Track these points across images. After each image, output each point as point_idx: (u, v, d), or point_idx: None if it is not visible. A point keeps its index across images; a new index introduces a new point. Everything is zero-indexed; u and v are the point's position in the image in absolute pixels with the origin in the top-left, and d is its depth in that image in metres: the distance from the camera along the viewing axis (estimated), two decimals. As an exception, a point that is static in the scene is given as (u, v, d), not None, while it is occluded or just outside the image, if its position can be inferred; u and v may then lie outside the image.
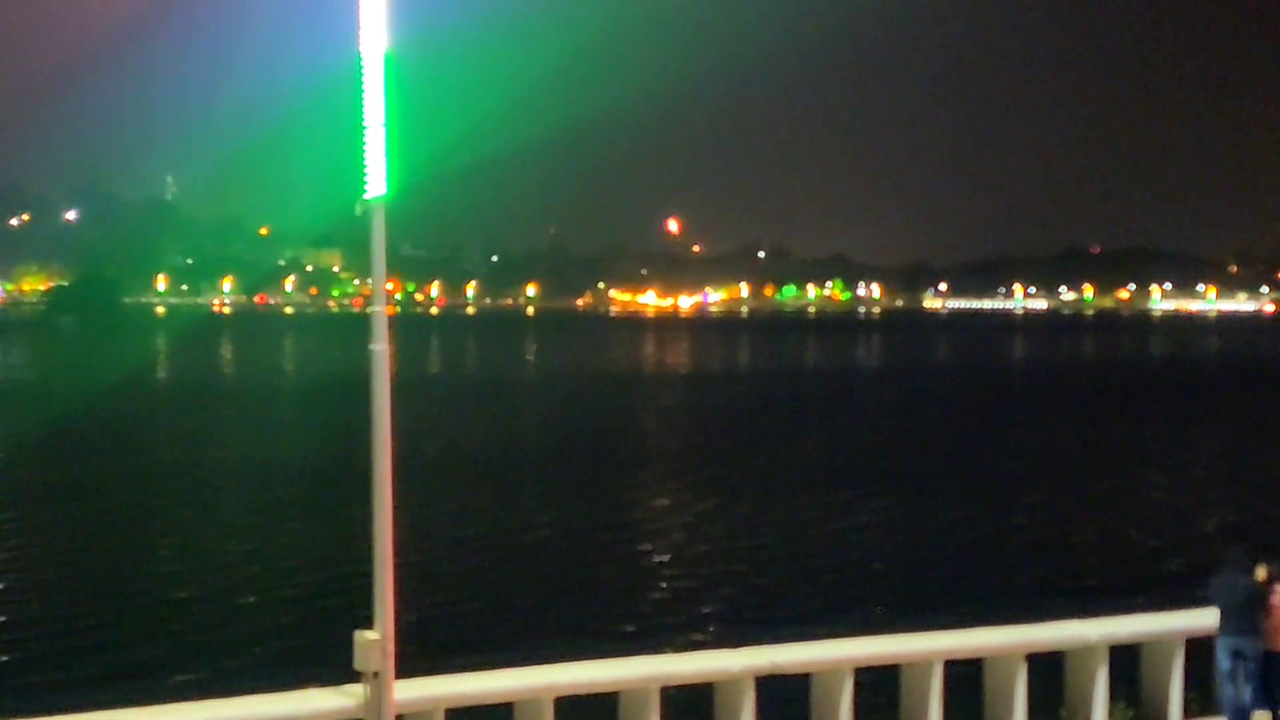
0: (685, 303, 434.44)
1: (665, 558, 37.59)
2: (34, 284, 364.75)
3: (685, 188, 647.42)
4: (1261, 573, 18.26)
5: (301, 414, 76.96)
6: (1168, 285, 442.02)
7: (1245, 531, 39.07)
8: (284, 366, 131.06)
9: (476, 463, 56.29)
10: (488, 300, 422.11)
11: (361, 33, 13.78)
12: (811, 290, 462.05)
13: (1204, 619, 19.85)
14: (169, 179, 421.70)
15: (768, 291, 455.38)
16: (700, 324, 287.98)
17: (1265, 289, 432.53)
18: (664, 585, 34.23)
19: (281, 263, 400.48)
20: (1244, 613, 18.23)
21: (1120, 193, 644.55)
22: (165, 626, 29.25)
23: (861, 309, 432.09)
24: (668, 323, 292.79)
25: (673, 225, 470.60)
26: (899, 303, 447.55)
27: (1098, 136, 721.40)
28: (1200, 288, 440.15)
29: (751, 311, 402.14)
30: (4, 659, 26.92)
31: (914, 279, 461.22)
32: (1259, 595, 18.21)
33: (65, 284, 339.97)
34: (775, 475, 53.30)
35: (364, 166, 13.96)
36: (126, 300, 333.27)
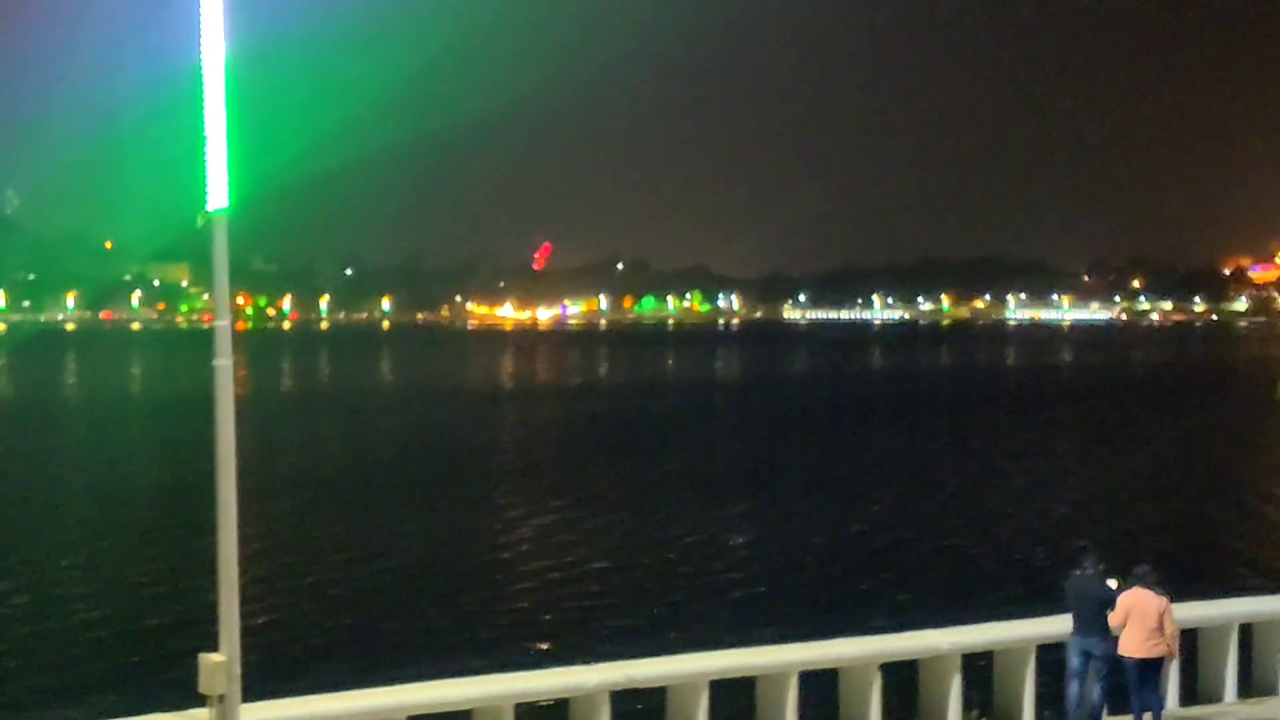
0: (544, 315, 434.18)
1: (523, 575, 37.34)
2: None
3: (542, 199, 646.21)
4: (1114, 583, 18.74)
5: (147, 433, 75.47)
6: (1023, 295, 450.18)
7: (1096, 536, 39.80)
8: (129, 384, 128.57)
9: (329, 481, 55.62)
10: (342, 315, 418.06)
11: (201, 39, 13.43)
12: (671, 302, 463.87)
13: (1054, 626, 20.13)
14: (9, 192, 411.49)
15: (627, 303, 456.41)
16: (559, 337, 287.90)
17: (1118, 298, 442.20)
18: (520, 602, 33.99)
19: (127, 277, 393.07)
20: (1094, 615, 18.74)
21: (975, 202, 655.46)
22: (8, 654, 28.36)
23: (721, 321, 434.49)
24: (526, 336, 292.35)
25: (537, 256, 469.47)
26: (758, 314, 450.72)
27: (953, 146, 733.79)
28: (1055, 297, 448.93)
29: (610, 324, 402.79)
30: None
31: (773, 290, 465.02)
32: (1109, 599, 18.67)
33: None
34: (634, 489, 53.32)
35: (205, 178, 13.61)
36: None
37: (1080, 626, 18.95)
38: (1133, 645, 18.51)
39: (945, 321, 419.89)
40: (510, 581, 36.29)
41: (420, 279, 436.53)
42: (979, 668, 20.30)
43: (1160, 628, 18.44)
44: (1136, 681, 18.64)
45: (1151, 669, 18.65)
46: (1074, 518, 47.05)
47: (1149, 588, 18.63)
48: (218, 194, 13.58)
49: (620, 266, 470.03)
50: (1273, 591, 27.22)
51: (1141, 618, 18.45)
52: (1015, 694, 19.89)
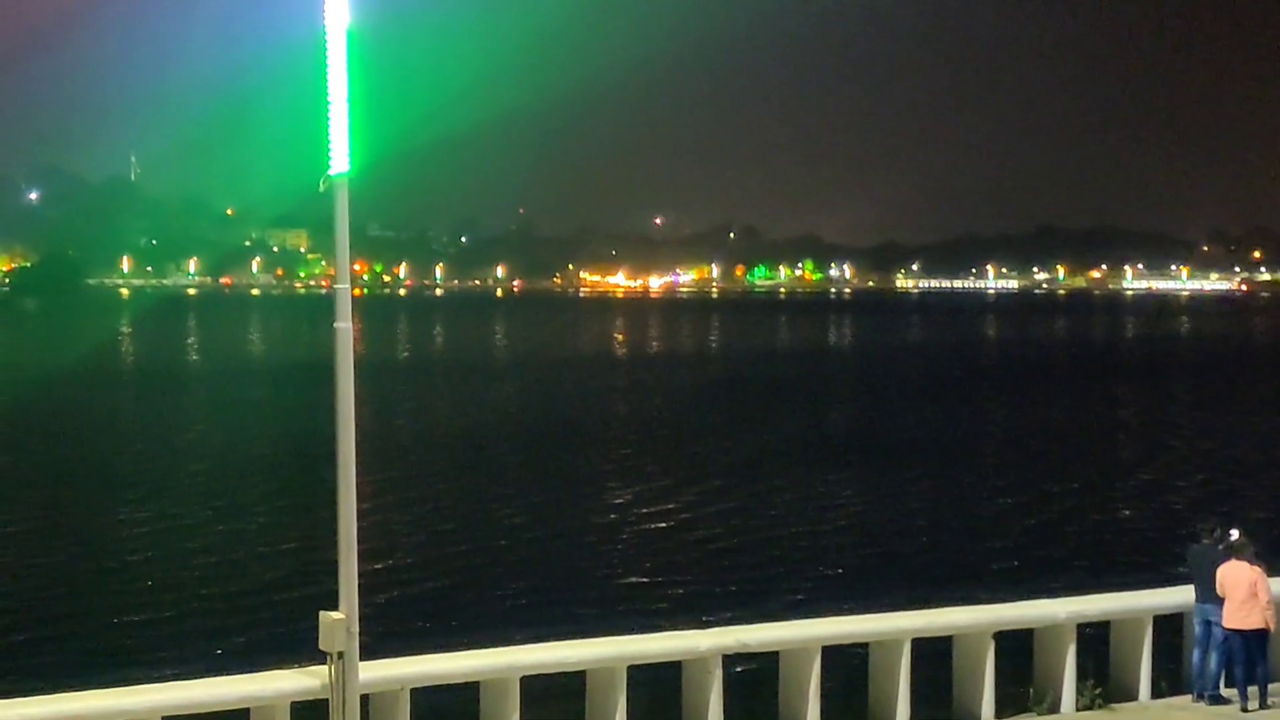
0: (655, 283, 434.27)
1: (636, 539, 37.52)
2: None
3: (655, 168, 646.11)
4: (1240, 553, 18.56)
5: (267, 396, 76.63)
6: (1140, 265, 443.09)
7: (1220, 505, 39.24)
8: (250, 348, 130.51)
9: (444, 444, 56.15)
10: (455, 282, 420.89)
11: (325, 6, 13.60)
12: (782, 271, 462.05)
13: (1173, 597, 19.95)
14: (132, 158, 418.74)
15: (738, 272, 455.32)
16: (670, 305, 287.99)
17: (1237, 269, 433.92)
18: (631, 566, 34.16)
19: (247, 243, 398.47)
20: (1214, 584, 18.61)
21: (1093, 171, 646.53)
22: (131, 612, 29.01)
23: (833, 290, 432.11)
24: (638, 304, 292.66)
25: (658, 220, 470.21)
26: (870, 283, 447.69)
27: (1071, 114, 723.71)
28: (1173, 267, 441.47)
29: (722, 292, 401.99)
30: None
31: (885, 259, 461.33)
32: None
33: (28, 265, 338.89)
34: (746, 457, 53.28)
35: (328, 143, 13.80)
36: (90, 282, 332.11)
37: (1201, 595, 18.90)
38: (1230, 616, 18.43)
39: (1061, 291, 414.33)
40: (621, 546, 36.47)
41: (533, 247, 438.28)
42: (1095, 638, 20.14)
43: (1255, 598, 18.26)
44: (1240, 652, 18.49)
45: (1254, 641, 18.45)
46: (1192, 488, 46.35)
47: (1243, 558, 18.46)
48: (339, 159, 13.77)
49: (732, 235, 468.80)
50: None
51: (1234, 588, 18.35)
52: (1132, 665, 19.72)
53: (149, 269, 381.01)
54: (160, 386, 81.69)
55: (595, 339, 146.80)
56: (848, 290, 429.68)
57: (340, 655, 13.99)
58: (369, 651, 14.84)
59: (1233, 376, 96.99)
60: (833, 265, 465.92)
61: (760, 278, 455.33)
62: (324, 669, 14.23)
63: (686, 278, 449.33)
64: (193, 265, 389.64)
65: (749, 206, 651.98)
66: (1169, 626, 20.21)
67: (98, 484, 45.21)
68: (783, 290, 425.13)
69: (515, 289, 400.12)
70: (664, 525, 39.24)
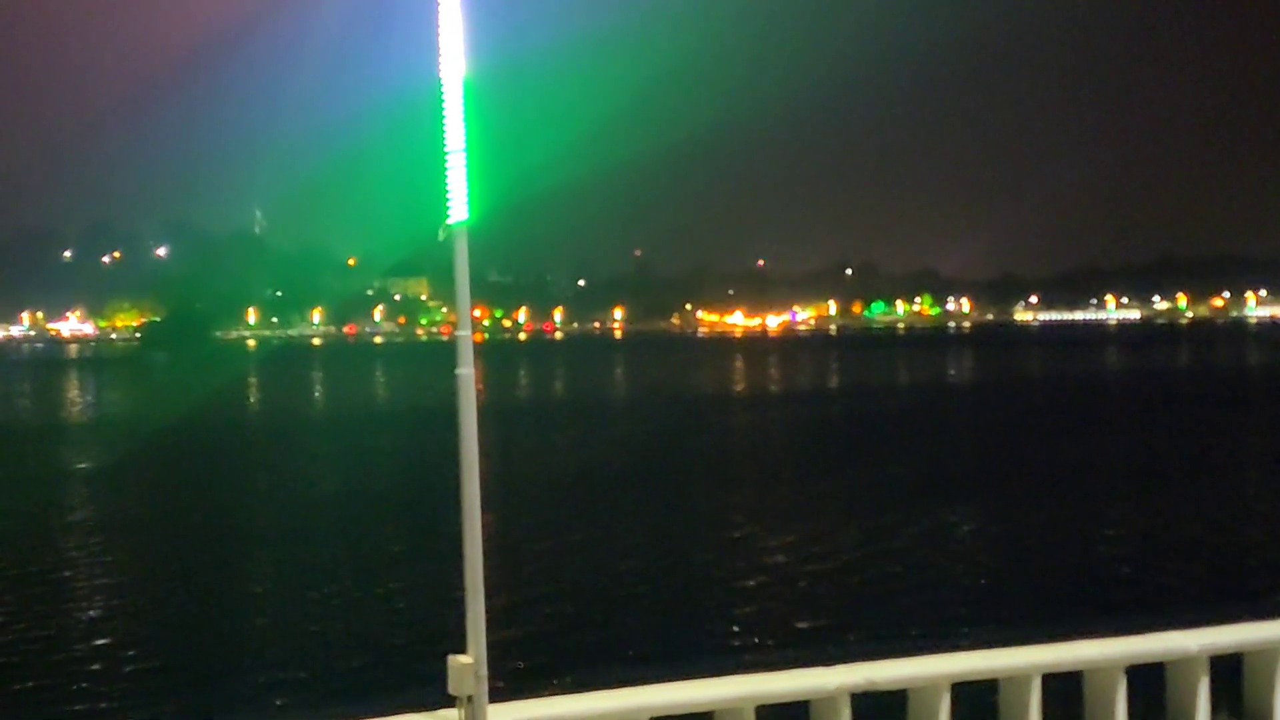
0: (773, 321, 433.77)
1: (760, 576, 37.41)
2: (126, 320, 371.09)
3: (770, 207, 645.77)
4: None
5: (392, 442, 77.46)
6: (1263, 292, 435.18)
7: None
8: (374, 394, 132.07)
9: (566, 486, 56.39)
10: (575, 324, 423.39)
11: (441, 57, 13.83)
12: (900, 306, 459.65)
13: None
14: (257, 213, 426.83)
15: (856, 308, 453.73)
16: (789, 342, 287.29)
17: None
18: (758, 604, 34.07)
19: (369, 292, 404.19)
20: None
21: (1213, 199, 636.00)
22: (261, 655, 29.45)
23: (951, 324, 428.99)
24: (757, 342, 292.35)
25: (761, 261, 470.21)
26: (989, 316, 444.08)
27: (1189, 141, 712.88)
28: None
29: (840, 329, 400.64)
30: (98, 690, 27.23)
31: (1003, 292, 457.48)
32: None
33: (157, 319, 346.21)
34: (868, 491, 53.00)
35: (446, 192, 14.00)
36: (218, 334, 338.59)
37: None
38: None
39: (1183, 320, 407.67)
40: (744, 584, 36.38)
41: (650, 288, 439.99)
42: (1229, 670, 19.77)
43: None
44: None
45: None
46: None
47: None
48: (458, 207, 13.98)
49: (849, 271, 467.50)
50: None
51: None
52: (1267, 697, 19.31)
53: (274, 320, 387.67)
54: (286, 435, 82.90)
55: (715, 377, 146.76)
56: (966, 324, 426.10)
57: (470, 699, 14.09)
58: (497, 694, 14.94)
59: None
60: (950, 299, 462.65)
61: (878, 313, 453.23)
62: (453, 713, 14.35)
63: (804, 315, 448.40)
64: (317, 315, 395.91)
65: (865, 242, 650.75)
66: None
67: (225, 530, 45.97)
68: (901, 325, 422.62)
69: (617, 330, 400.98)
70: (786, 560, 39.09)
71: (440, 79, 13.86)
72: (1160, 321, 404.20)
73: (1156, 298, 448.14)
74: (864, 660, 18.80)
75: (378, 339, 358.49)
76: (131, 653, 30.06)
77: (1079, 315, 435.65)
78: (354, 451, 71.90)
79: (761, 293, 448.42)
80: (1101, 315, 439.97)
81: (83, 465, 67.48)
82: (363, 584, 36.62)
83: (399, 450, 71.80)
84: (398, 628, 31.64)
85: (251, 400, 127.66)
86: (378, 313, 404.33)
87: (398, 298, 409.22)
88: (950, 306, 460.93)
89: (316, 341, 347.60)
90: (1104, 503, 49.32)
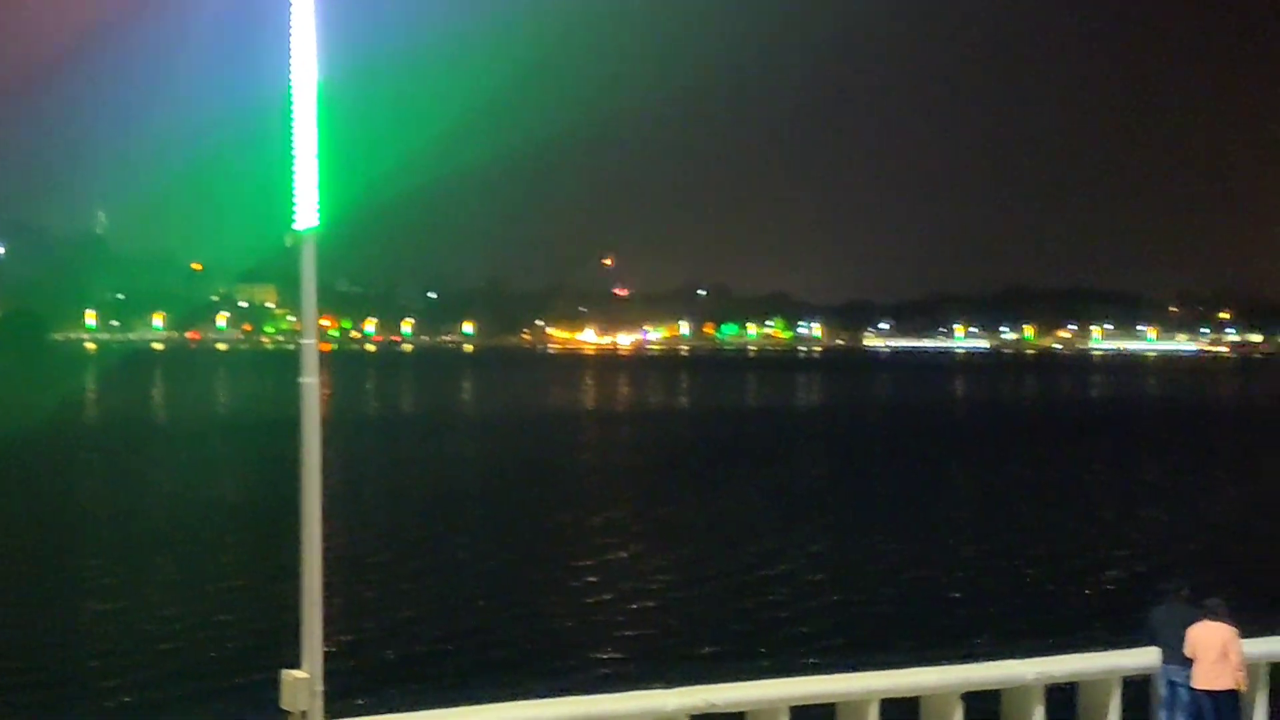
0: (624, 341, 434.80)
1: (604, 597, 37.29)
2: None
3: (624, 225, 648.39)
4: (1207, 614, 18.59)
5: (233, 451, 76.18)
6: (1108, 325, 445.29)
7: (1186, 566, 39.22)
8: (215, 403, 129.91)
9: (410, 501, 55.87)
10: (424, 337, 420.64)
11: (293, 62, 13.57)
12: (752, 329, 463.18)
13: (1140, 658, 19.88)
14: (99, 214, 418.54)
15: (708, 330, 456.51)
16: (640, 362, 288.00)
17: (1205, 330, 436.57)
18: (601, 624, 33.94)
19: (214, 298, 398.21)
20: (1181, 645, 18.57)
21: (1062, 232, 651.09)
22: (84, 671, 28.66)
23: (803, 348, 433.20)
24: (607, 361, 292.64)
25: (607, 261, 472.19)
26: (840, 341, 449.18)
27: (1040, 175, 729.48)
28: (1141, 328, 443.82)
29: (692, 350, 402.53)
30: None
31: (855, 317, 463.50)
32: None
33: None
34: (716, 515, 53.15)
35: (294, 198, 13.74)
36: (55, 336, 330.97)
37: (1168, 655, 18.82)
38: (1200, 676, 18.40)
39: (1030, 351, 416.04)
40: (587, 604, 36.26)
41: (502, 303, 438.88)
42: (1062, 699, 20.06)
43: (1226, 659, 18.23)
44: (1211, 714, 18.44)
45: (1224, 702, 18.40)
46: (1159, 550, 46.37)
47: (1217, 619, 18.47)
48: (307, 213, 13.71)
49: (702, 293, 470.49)
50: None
51: (1206, 648, 18.31)
52: (1101, 726, 19.63)
53: (115, 324, 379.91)
54: (124, 442, 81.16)
55: (565, 397, 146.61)
56: (817, 348, 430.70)
57: (303, 715, 13.81)
58: (331, 709, 14.64)
59: (1200, 438, 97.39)
60: (801, 323, 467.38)
61: (730, 335, 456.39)
62: (286, 728, 14.04)
63: (656, 335, 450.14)
64: (159, 320, 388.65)
65: (718, 264, 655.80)
66: (1137, 688, 20.13)
67: (58, 539, 44.81)
68: (752, 348, 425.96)
69: (468, 345, 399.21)
70: (632, 584, 39.00)
71: (291, 84, 13.61)
72: (1007, 352, 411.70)
73: (1005, 328, 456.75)
74: (704, 683, 18.82)
75: (221, 345, 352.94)
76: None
77: (928, 343, 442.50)
78: (192, 461, 70.57)
79: (614, 311, 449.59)
80: (950, 344, 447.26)
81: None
82: (197, 597, 35.84)
83: (238, 460, 70.58)
84: (232, 641, 31.02)
85: (88, 406, 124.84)
86: (222, 319, 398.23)
87: (244, 304, 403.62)
88: (802, 330, 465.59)
89: (158, 346, 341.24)
90: (948, 530, 49.97)
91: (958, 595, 38.23)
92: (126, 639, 31.16)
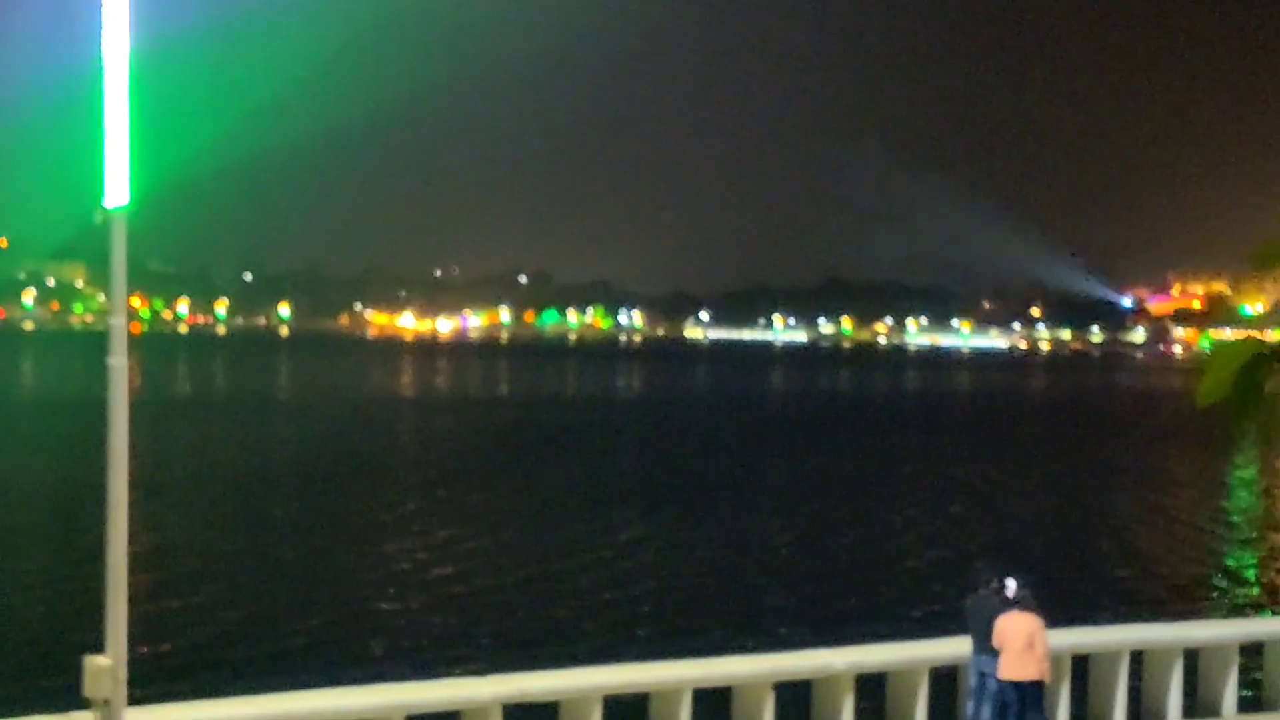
0: (444, 326, 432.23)
1: (417, 583, 37.06)
2: None
3: (445, 207, 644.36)
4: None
5: (37, 432, 74.20)
6: (924, 319, 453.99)
7: (996, 556, 40.13)
8: (20, 383, 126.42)
9: (222, 486, 54.97)
10: (240, 319, 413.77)
11: (104, 30, 13.18)
12: (573, 316, 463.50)
13: (949, 648, 20.27)
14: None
15: (528, 317, 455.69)
16: (459, 348, 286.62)
17: (1017, 325, 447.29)
18: (414, 610, 33.71)
19: (21, 276, 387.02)
20: (990, 635, 18.86)
21: (881, 225, 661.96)
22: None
23: (623, 337, 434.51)
24: (426, 347, 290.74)
25: (448, 260, 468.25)
26: (660, 331, 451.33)
27: (856, 167, 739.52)
28: (955, 323, 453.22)
29: (511, 337, 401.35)
30: None
31: (675, 307, 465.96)
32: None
33: None
34: (531, 501, 53.12)
35: (104, 174, 13.36)
36: None
37: (978, 646, 19.08)
38: (1006, 667, 18.63)
39: (846, 344, 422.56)
40: (403, 591, 35.99)
41: (320, 285, 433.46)
42: (873, 689, 20.38)
43: (1031, 649, 18.54)
44: (1016, 704, 18.76)
45: (1029, 692, 18.72)
46: (969, 539, 47.38)
47: (1024, 609, 18.77)
48: (117, 190, 13.34)
49: (523, 279, 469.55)
50: (1163, 619, 27.59)
51: (1012, 638, 18.59)
52: (908, 715, 19.97)
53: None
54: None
55: (383, 382, 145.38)
56: (637, 338, 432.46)
57: (106, 702, 13.46)
58: (135, 697, 14.31)
59: (1009, 430, 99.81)
60: (623, 312, 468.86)
61: (551, 323, 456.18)
62: (88, 715, 13.69)
63: (475, 321, 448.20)
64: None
65: (540, 250, 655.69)
66: (946, 678, 20.52)
67: None
68: (573, 336, 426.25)
69: (283, 328, 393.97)
70: (448, 570, 38.81)
71: (101, 55, 13.22)
72: (824, 344, 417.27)
73: (822, 320, 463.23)
74: (517, 671, 18.79)
75: (28, 325, 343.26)
76: None
77: (747, 334, 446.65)
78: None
79: (433, 296, 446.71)
80: (769, 335, 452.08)
81: None
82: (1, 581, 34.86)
83: (43, 442, 68.75)
84: (34, 626, 30.22)
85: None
86: (29, 297, 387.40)
87: (52, 283, 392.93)
88: (623, 320, 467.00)
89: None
90: (762, 519, 50.50)
91: (770, 583, 38.67)
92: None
